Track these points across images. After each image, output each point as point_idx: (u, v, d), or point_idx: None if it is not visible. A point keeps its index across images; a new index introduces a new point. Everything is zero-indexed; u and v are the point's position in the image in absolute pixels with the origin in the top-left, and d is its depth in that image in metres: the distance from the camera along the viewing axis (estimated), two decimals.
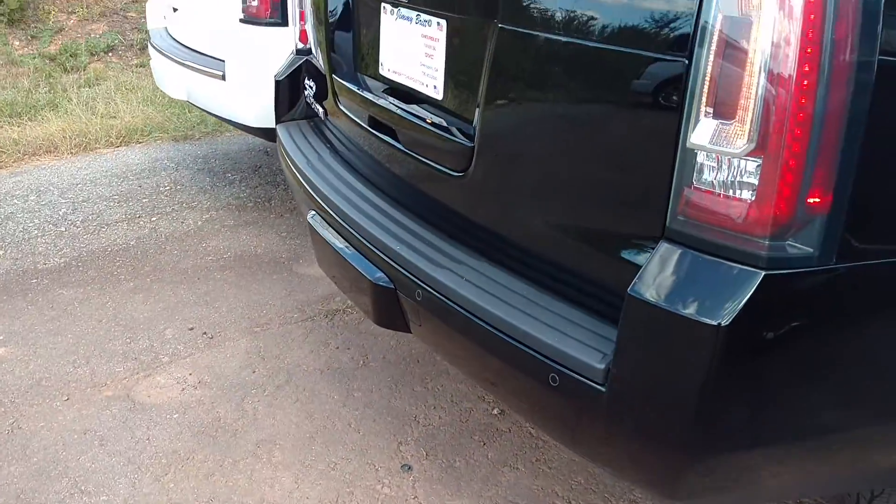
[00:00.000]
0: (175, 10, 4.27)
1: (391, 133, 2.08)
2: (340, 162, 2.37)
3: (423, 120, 1.94)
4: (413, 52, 1.97)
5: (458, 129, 1.83)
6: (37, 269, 3.57)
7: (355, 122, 2.26)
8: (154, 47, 4.30)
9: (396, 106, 2.06)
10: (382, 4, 2.09)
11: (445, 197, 1.91)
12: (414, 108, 2.00)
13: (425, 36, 1.92)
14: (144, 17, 5.87)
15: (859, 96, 1.18)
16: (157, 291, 3.39)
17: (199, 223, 4.06)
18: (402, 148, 2.02)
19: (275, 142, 4.31)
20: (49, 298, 3.31)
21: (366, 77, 2.28)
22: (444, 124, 1.88)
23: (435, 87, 1.92)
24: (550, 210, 1.62)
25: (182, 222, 4.05)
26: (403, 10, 2.00)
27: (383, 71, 2.16)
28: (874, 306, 1.36)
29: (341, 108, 2.35)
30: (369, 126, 2.17)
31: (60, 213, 4.14)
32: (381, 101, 2.13)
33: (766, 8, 1.17)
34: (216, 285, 3.45)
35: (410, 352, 2.95)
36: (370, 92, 2.21)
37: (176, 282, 3.47)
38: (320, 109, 2.56)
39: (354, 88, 2.25)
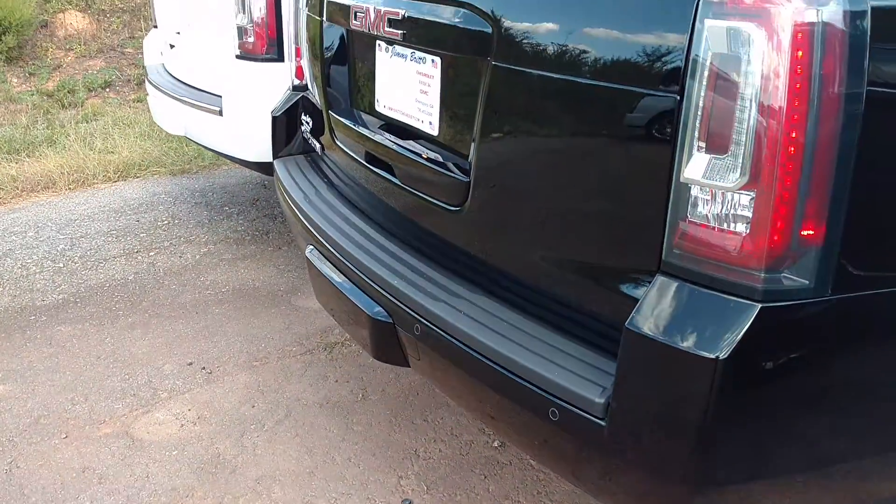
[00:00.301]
0: (172, 46, 4.31)
1: (387, 168, 2.10)
2: (337, 196, 2.39)
3: (419, 155, 1.95)
4: (408, 88, 2.00)
5: (454, 164, 1.85)
6: (35, 305, 3.57)
7: (352, 157, 2.28)
8: (151, 84, 4.34)
9: (392, 141, 2.08)
10: (378, 42, 2.12)
11: (442, 231, 1.92)
12: (410, 144, 2.02)
13: (420, 73, 1.94)
14: (141, 53, 5.93)
15: (849, 129, 1.20)
16: (156, 326, 3.39)
17: (198, 257, 4.06)
18: (399, 183, 2.04)
19: (272, 176, 4.36)
20: (47, 335, 3.31)
21: (362, 113, 2.30)
22: (440, 159, 1.89)
23: (430, 122, 1.94)
24: (546, 244, 1.63)
25: (180, 256, 4.06)
26: (398, 48, 2.02)
27: (379, 107, 2.18)
28: (871, 336, 1.37)
29: (338, 143, 2.37)
30: (366, 161, 2.19)
31: (59, 248, 4.15)
32: (377, 137, 2.15)
33: (755, 45, 1.19)
34: (215, 319, 3.44)
35: (410, 384, 2.95)
36: (366, 127, 2.23)
37: (174, 316, 3.47)
38: (317, 145, 2.58)
39: (350, 124, 2.27)
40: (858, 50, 1.19)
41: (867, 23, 1.19)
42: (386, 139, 2.11)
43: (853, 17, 1.19)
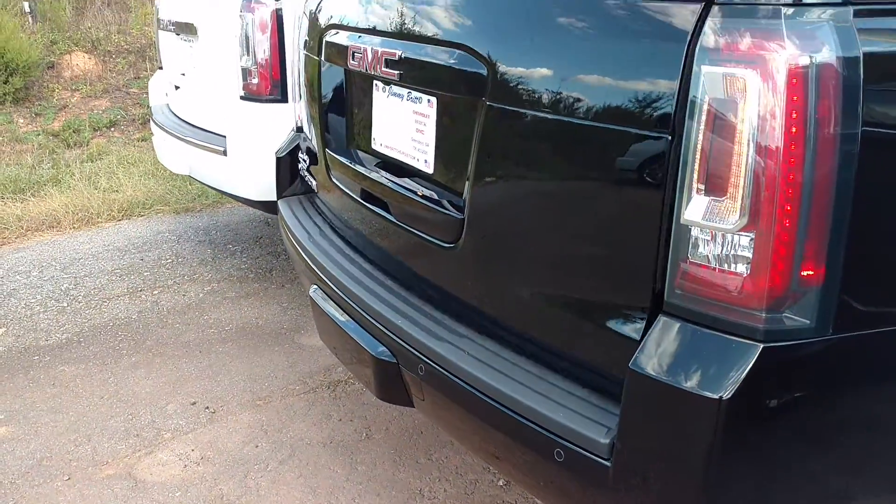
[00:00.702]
0: (177, 87, 4.37)
1: (383, 205, 2.12)
2: (340, 236, 2.41)
3: (415, 192, 1.98)
4: (404, 127, 2.03)
5: (449, 202, 1.87)
6: (39, 345, 3.57)
7: (348, 194, 2.30)
8: (156, 123, 4.39)
9: (388, 179, 2.11)
10: (374, 82, 2.15)
11: (438, 269, 1.93)
12: (405, 182, 2.04)
13: (416, 112, 1.97)
14: (146, 93, 6.00)
15: (845, 170, 1.22)
16: (159, 366, 3.39)
17: (201, 295, 4.08)
18: (394, 220, 2.06)
19: (276, 214, 4.38)
20: (51, 375, 3.31)
21: (358, 151, 2.33)
22: (435, 197, 1.92)
23: (426, 161, 1.96)
24: (541, 283, 1.64)
25: (184, 295, 4.08)
26: (395, 88, 2.06)
27: (375, 145, 2.21)
28: (874, 374, 1.37)
29: (334, 181, 2.39)
30: (361, 199, 2.21)
31: (63, 288, 4.17)
32: (373, 175, 2.17)
33: (751, 90, 1.21)
34: (218, 358, 3.45)
35: (414, 423, 2.94)
36: (363, 165, 2.25)
37: (178, 355, 3.47)
38: (314, 182, 2.61)
39: (347, 162, 2.30)
40: (852, 93, 1.22)
41: (860, 67, 1.22)
42: (382, 177, 2.13)
43: (846, 62, 1.21)
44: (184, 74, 4.24)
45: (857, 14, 1.23)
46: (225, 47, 3.69)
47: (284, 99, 3.55)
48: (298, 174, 2.78)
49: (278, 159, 2.78)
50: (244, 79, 3.57)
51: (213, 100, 3.92)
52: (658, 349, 1.32)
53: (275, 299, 4.04)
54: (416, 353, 1.79)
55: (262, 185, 3.64)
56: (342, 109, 2.39)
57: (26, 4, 8.45)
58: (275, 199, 3.59)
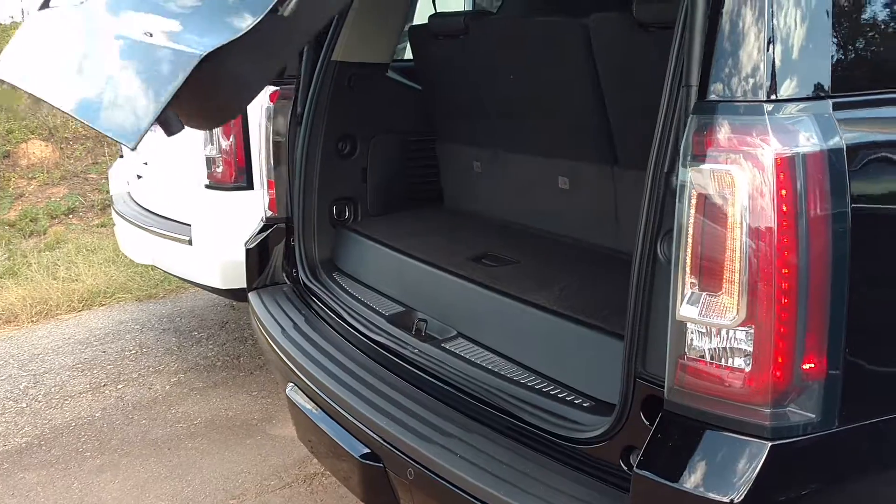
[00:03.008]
0: (140, 177, 4.31)
1: None
2: (316, 329, 2.35)
3: None
4: None
5: None
6: None
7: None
8: (118, 213, 4.31)
9: None
10: None
11: None
12: None
13: None
14: (105, 178, 5.92)
15: (839, 256, 1.21)
16: (126, 467, 3.24)
17: (167, 388, 3.94)
18: None
19: (243, 301, 4.29)
20: (10, 484, 3.14)
21: None
22: None
23: None
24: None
25: (149, 388, 3.94)
26: None
27: None
28: (882, 461, 1.34)
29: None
30: None
31: (21, 387, 4.00)
32: None
33: (739, 184, 1.21)
34: (188, 456, 3.31)
35: None
36: None
37: (145, 455, 3.33)
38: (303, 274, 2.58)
39: None
40: (838, 181, 1.22)
41: (843, 155, 1.22)
42: None
43: (829, 152, 1.22)
44: (146, 163, 4.19)
45: (836, 107, 1.24)
46: (188, 136, 3.65)
47: (250, 186, 3.52)
48: (268, 266, 2.73)
49: (248, 251, 2.72)
50: (209, 167, 3.54)
51: (177, 188, 3.87)
52: (661, 450, 1.28)
53: (243, 388, 3.92)
54: (404, 456, 1.72)
55: (229, 273, 3.57)
56: None
57: None
58: (242, 286, 3.54)
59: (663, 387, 1.35)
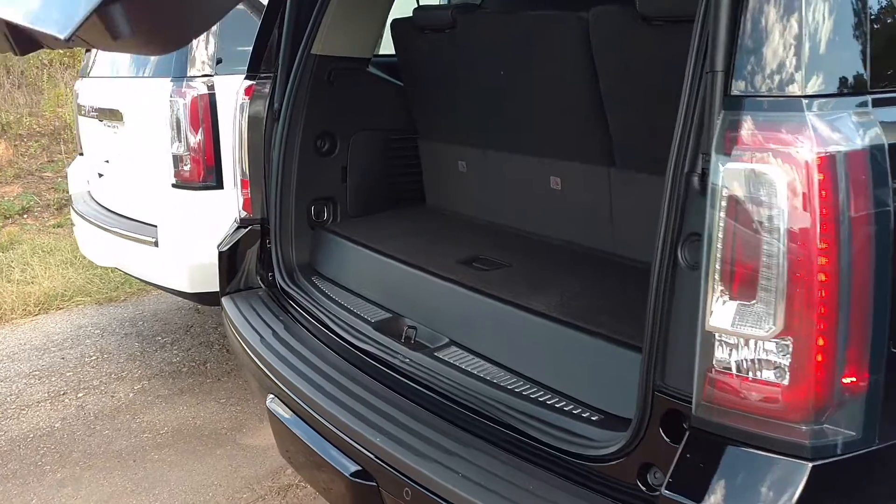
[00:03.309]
0: (100, 175, 4.13)
1: None
2: (297, 337, 2.22)
3: None
4: None
5: None
6: None
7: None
8: (78, 213, 4.12)
9: None
10: None
11: None
12: None
13: None
14: (61, 177, 5.70)
15: (883, 269, 1.13)
16: (89, 481, 3.07)
17: (131, 395, 3.77)
18: None
19: (211, 305, 4.13)
20: None
21: None
22: None
23: None
24: None
25: (112, 396, 3.76)
26: None
27: None
28: None
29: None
30: None
31: None
32: None
33: (776, 189, 1.12)
34: (154, 468, 3.15)
35: None
36: None
37: (109, 468, 3.16)
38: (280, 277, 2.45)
39: None
40: (880, 180, 1.14)
41: (885, 152, 1.15)
42: None
43: (870, 149, 1.14)
44: (108, 161, 4.02)
45: (875, 103, 1.17)
46: (154, 133, 3.49)
47: (220, 185, 3.38)
48: (243, 269, 2.59)
49: (221, 254, 2.58)
50: (176, 166, 3.38)
51: (141, 188, 3.70)
52: (691, 471, 1.19)
53: (211, 395, 3.77)
54: (400, 475, 1.61)
55: (197, 276, 3.43)
56: None
57: None
58: (211, 290, 3.39)
59: (686, 401, 1.27)
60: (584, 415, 1.57)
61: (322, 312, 2.23)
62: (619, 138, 2.11)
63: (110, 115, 3.85)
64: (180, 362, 4.12)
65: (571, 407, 1.61)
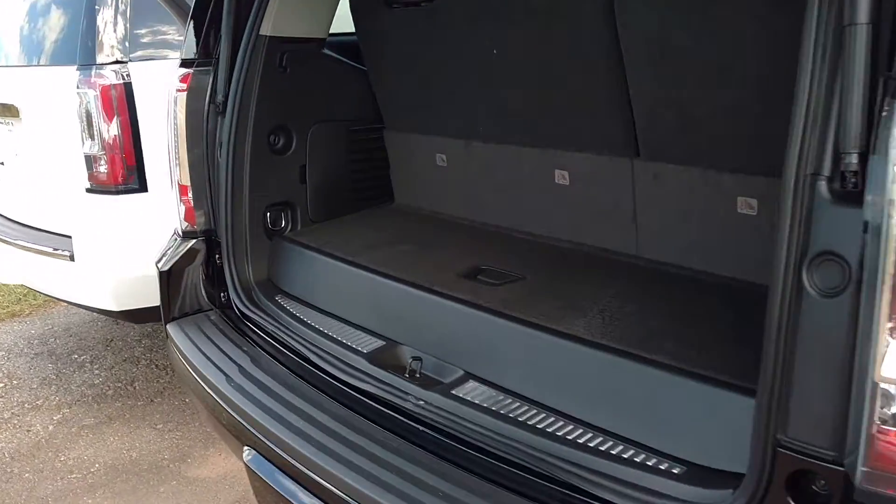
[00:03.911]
0: None
1: None
2: (270, 374, 1.88)
3: None
4: None
5: None
6: None
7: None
8: None
9: None
10: None
11: None
12: None
13: None
14: None
15: None
16: None
17: (51, 428, 3.35)
18: None
19: (140, 323, 3.70)
20: None
21: None
22: None
23: None
24: None
25: (28, 431, 3.33)
26: None
27: None
28: None
29: None
30: None
31: None
32: None
33: None
34: None
35: None
36: None
37: None
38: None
39: None
40: None
41: None
42: None
43: None
44: (3, 164, 3.51)
45: None
46: (60, 130, 3.03)
47: (143, 188, 2.96)
48: (189, 289, 2.22)
49: (162, 273, 2.20)
50: (90, 168, 2.95)
51: (48, 193, 3.24)
52: None
53: (145, 420, 3.38)
54: None
55: (123, 292, 3.02)
56: None
57: None
58: (141, 307, 3.00)
59: (819, 459, 1.02)
60: (661, 466, 1.31)
61: (296, 341, 1.90)
62: (645, 124, 1.83)
63: (3, 110, 3.35)
64: (103, 383, 3.72)
65: (643, 457, 1.34)
